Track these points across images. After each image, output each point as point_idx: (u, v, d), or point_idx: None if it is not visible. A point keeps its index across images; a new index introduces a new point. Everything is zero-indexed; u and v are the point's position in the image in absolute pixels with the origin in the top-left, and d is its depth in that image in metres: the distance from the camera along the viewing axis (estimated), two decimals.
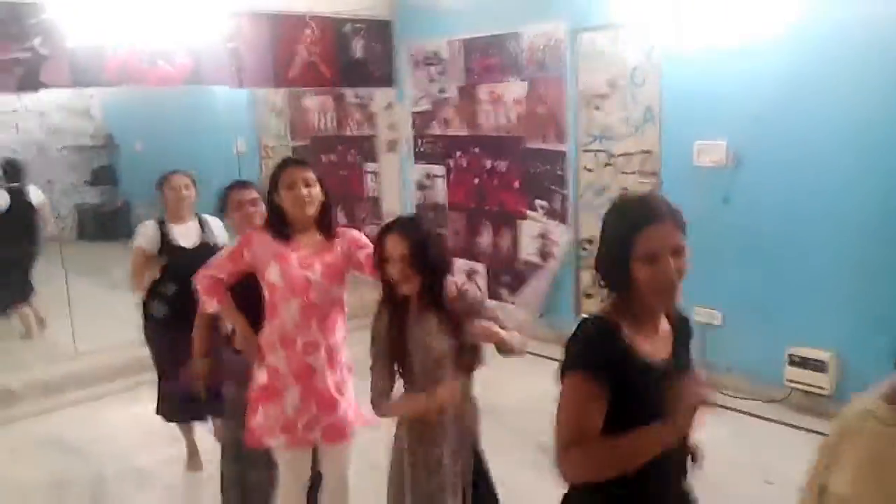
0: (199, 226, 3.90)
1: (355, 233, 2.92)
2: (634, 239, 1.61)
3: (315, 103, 8.04)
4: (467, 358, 2.45)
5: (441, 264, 2.43)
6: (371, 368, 2.49)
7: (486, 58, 6.09)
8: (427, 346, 2.38)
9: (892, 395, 1.34)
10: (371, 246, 2.65)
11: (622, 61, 5.17)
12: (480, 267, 6.51)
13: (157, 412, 4.06)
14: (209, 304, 2.98)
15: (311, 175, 2.75)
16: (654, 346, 1.70)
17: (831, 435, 1.38)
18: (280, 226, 2.78)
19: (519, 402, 4.76)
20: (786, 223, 4.45)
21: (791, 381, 4.51)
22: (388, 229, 2.40)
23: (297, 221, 2.77)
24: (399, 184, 7.16)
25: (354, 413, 2.92)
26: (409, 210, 7.01)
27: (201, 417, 3.96)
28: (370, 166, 7.44)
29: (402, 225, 2.42)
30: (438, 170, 6.75)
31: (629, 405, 1.62)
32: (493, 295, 6.39)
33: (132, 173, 11.39)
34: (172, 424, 4.09)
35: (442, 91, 6.52)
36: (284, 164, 2.80)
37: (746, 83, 4.51)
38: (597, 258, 1.75)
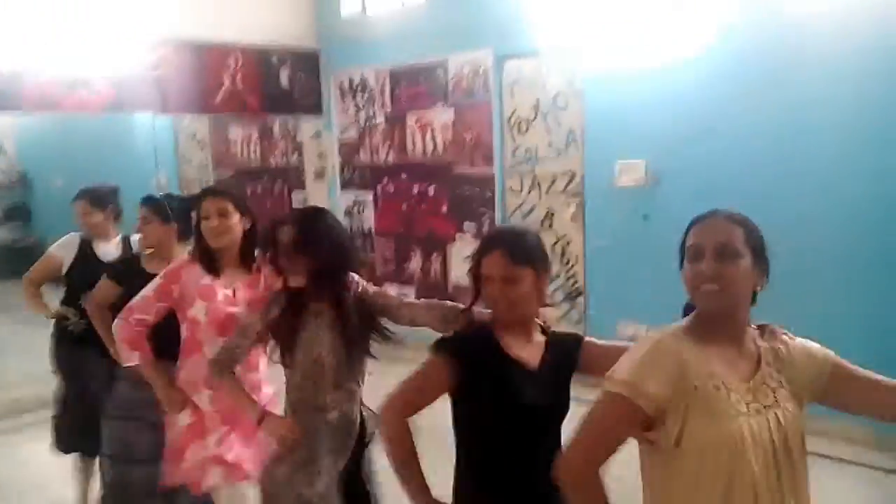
0: (121, 244, 3.76)
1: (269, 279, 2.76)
2: (478, 262, 1.93)
3: (239, 134, 8.00)
4: (358, 358, 2.43)
5: (334, 259, 2.36)
6: (237, 332, 2.45)
7: (413, 86, 6.21)
8: (310, 343, 2.35)
9: (695, 322, 1.59)
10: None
11: (546, 86, 5.36)
12: (410, 292, 6.54)
13: (57, 445, 3.73)
14: (129, 356, 2.78)
15: (226, 205, 2.65)
16: (526, 352, 1.93)
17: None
18: (207, 258, 2.70)
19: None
20: None
21: None
22: (282, 220, 2.40)
23: (218, 253, 2.70)
24: None
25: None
26: None
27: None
28: (297, 196, 7.42)
29: (295, 215, 2.45)
30: (367, 196, 6.79)
31: (502, 397, 1.87)
32: None
33: (46, 210, 11.03)
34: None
35: (369, 119, 6.60)
36: (201, 195, 2.76)
37: (664, 104, 4.75)
38: None
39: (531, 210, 5.59)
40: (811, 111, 4.23)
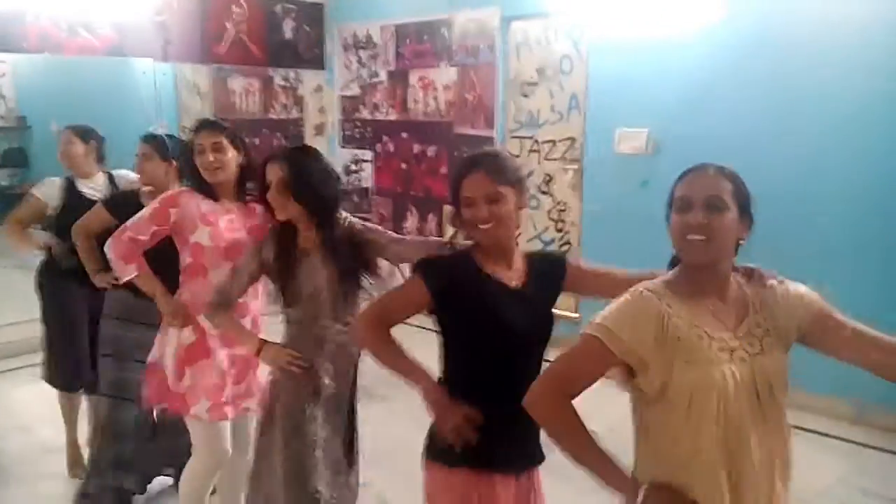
0: (107, 180, 3.71)
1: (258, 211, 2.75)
2: (458, 187, 1.92)
3: (240, 85, 7.93)
4: (352, 292, 2.46)
5: (324, 195, 2.38)
6: (232, 273, 2.48)
7: (417, 43, 6.16)
8: (307, 279, 2.38)
9: (679, 274, 1.64)
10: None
11: (551, 50, 5.32)
12: None
13: (50, 381, 3.74)
14: (124, 270, 2.75)
15: (221, 140, 2.68)
16: (507, 275, 1.96)
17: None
18: (205, 188, 2.73)
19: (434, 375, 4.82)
20: None
21: None
22: (271, 157, 2.39)
23: (214, 187, 2.72)
24: None
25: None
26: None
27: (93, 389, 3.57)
28: None
29: (285, 152, 2.42)
30: (366, 154, 6.77)
31: (482, 314, 1.91)
32: None
33: (44, 156, 10.96)
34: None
35: (372, 75, 6.56)
36: (196, 129, 2.75)
37: (668, 74, 4.72)
38: None
39: (529, 174, 5.57)
40: (815, 83, 4.21)
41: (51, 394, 3.82)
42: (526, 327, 1.93)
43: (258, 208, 2.71)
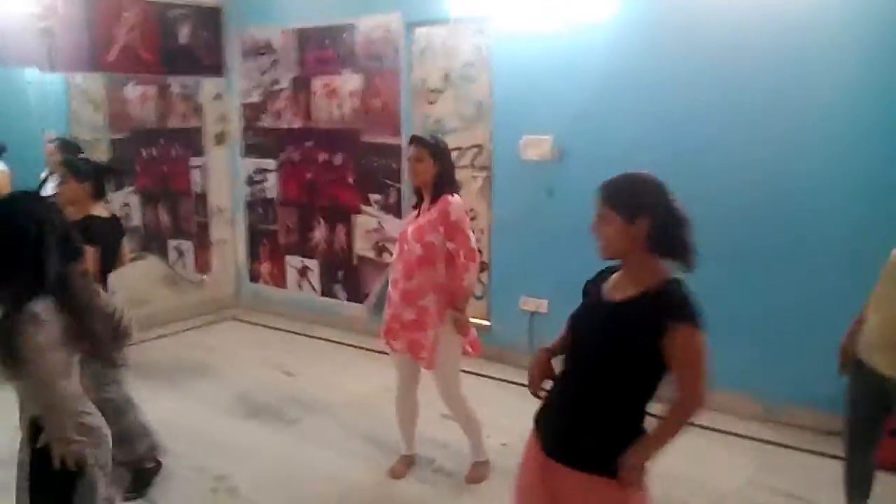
0: None
1: (447, 206, 3.41)
2: None
3: (136, 93, 7.56)
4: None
5: (35, 254, 2.07)
6: None
7: (320, 49, 6.00)
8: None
9: None
10: (451, 217, 3.39)
11: (456, 56, 5.25)
12: (314, 263, 6.39)
13: None
14: None
15: (420, 151, 3.43)
16: (616, 289, 2.07)
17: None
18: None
19: (348, 397, 4.73)
20: None
21: None
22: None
23: (418, 189, 3.56)
24: (228, 179, 6.89)
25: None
26: (240, 205, 6.80)
27: None
28: (196, 160, 7.08)
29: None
30: (270, 164, 6.55)
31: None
32: (327, 292, 6.30)
33: None
34: None
35: (274, 82, 6.35)
36: (409, 141, 3.56)
37: (571, 79, 4.72)
38: None
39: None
40: (720, 80, 4.24)
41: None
42: (589, 335, 2.07)
43: (435, 208, 3.44)
